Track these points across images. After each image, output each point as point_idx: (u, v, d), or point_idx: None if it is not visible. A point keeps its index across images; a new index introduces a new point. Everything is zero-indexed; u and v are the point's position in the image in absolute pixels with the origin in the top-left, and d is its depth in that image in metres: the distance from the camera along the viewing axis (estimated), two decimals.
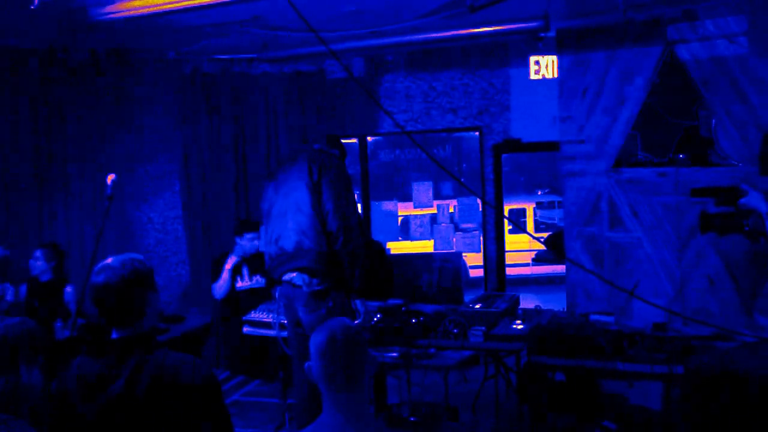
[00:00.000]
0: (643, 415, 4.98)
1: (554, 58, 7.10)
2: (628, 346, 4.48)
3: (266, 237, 4.81)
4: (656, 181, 6.11)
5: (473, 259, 9.20)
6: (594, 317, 5.05)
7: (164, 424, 2.36)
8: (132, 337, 2.44)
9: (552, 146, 6.91)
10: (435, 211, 8.71)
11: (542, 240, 11.82)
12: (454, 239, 8.54)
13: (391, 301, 5.74)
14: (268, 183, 4.90)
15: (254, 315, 5.70)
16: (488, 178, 7.95)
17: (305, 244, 4.52)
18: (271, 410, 6.16)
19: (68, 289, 6.16)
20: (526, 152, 8.53)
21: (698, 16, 5.81)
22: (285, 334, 4.95)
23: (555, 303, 7.35)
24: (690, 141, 6.40)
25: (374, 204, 8.60)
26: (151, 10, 5.41)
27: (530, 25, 6.17)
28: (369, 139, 8.48)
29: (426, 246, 9.00)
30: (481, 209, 8.23)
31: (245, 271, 6.67)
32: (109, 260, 2.48)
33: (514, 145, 7.85)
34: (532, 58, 7.75)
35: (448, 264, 7.73)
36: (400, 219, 9.44)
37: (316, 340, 2.38)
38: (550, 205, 14.03)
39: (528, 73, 7.80)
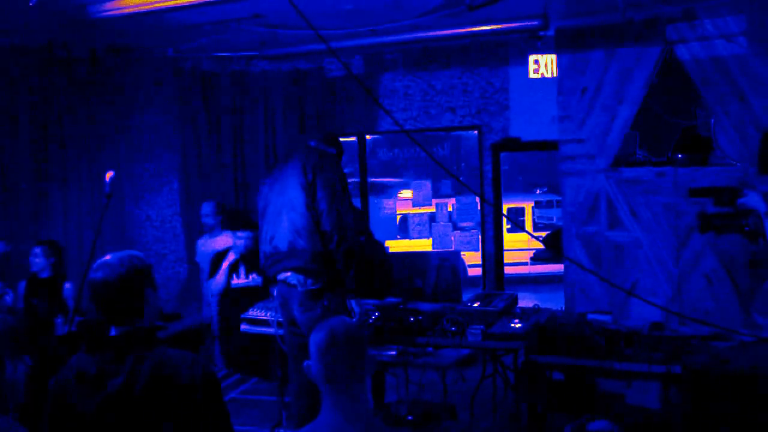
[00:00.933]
0: (641, 414, 4.98)
1: (553, 57, 7.10)
2: (626, 346, 4.48)
3: (261, 236, 4.81)
4: (655, 180, 6.11)
5: (472, 258, 9.22)
6: (592, 316, 5.05)
7: (163, 421, 2.35)
8: (131, 333, 2.43)
9: (551, 145, 6.91)
10: (434, 210, 8.71)
11: (541, 239, 11.83)
12: (453, 238, 8.55)
13: (389, 300, 5.74)
14: (263, 181, 4.89)
15: (252, 313, 5.69)
16: (487, 177, 7.94)
17: (299, 244, 4.51)
18: (268, 408, 6.15)
19: (67, 285, 6.16)
20: (525, 151, 8.54)
21: (697, 15, 5.81)
22: (282, 332, 4.95)
23: (553, 302, 7.34)
24: (689, 141, 6.41)
25: (372, 202, 8.60)
26: (150, 7, 5.41)
27: (529, 23, 6.17)
28: (368, 137, 8.48)
29: (424, 244, 9.01)
30: (479, 208, 8.23)
31: (242, 269, 6.67)
32: (108, 257, 2.48)
33: (513, 144, 7.84)
34: (531, 57, 7.75)
35: (446, 263, 7.73)
36: (398, 217, 9.44)
37: (316, 338, 2.38)
38: (549, 204, 14.05)
39: (527, 72, 7.79)
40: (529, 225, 13.56)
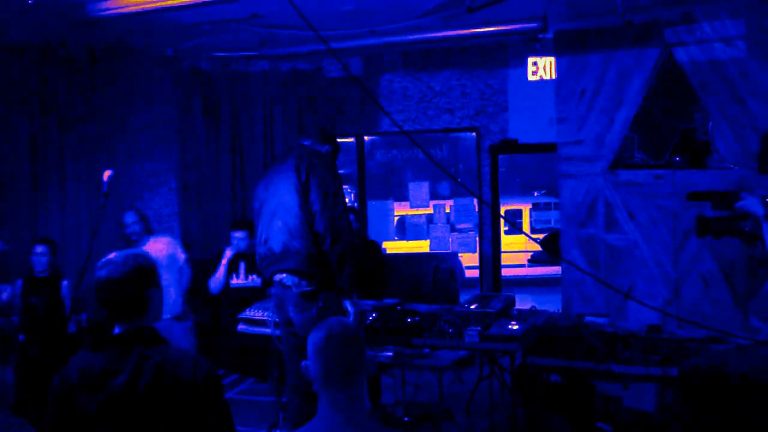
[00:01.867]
0: (637, 417, 4.98)
1: (552, 59, 7.11)
2: (623, 348, 4.48)
3: (257, 237, 4.81)
4: (653, 183, 6.11)
5: (469, 260, 9.20)
6: (589, 318, 5.06)
7: (165, 419, 2.36)
8: (134, 332, 2.45)
9: (549, 147, 6.91)
10: (431, 212, 8.71)
11: (538, 241, 11.83)
12: (450, 239, 8.54)
13: (387, 301, 5.74)
14: (259, 182, 4.89)
15: (249, 313, 5.69)
16: (485, 178, 7.95)
17: (293, 246, 4.50)
18: (265, 409, 6.14)
19: (64, 283, 6.16)
20: (523, 153, 8.54)
21: (696, 19, 5.81)
22: (279, 332, 4.95)
23: (550, 304, 7.34)
24: (687, 144, 6.42)
25: (370, 203, 8.60)
26: (149, 6, 5.41)
27: (528, 26, 6.18)
28: (366, 138, 8.48)
29: (422, 246, 9.01)
30: (477, 210, 8.23)
31: (242, 269, 6.66)
32: (113, 255, 2.50)
33: (511, 146, 7.85)
34: (530, 59, 7.76)
35: (444, 264, 7.74)
36: (396, 219, 9.44)
37: (313, 338, 2.38)
38: (547, 207, 14.05)
39: (526, 74, 7.81)
40: (526, 227, 13.57)
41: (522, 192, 15.35)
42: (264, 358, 6.11)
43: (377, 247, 6.99)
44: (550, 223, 13.74)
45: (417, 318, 5.16)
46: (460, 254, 8.57)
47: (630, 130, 6.43)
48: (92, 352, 2.44)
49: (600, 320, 5.01)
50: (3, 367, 2.70)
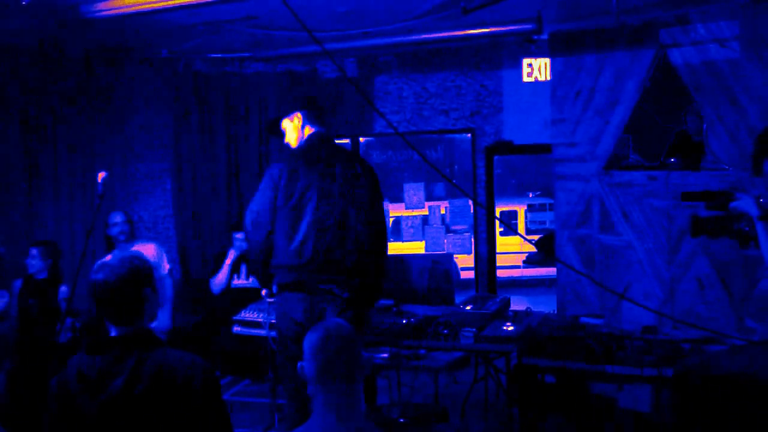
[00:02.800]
0: (632, 418, 4.98)
1: (547, 60, 7.11)
2: (618, 349, 4.48)
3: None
4: (647, 184, 6.12)
5: (464, 261, 9.20)
6: (584, 319, 5.06)
7: (164, 421, 2.36)
8: (132, 334, 2.45)
9: (544, 149, 6.92)
10: (426, 213, 8.71)
11: (533, 242, 11.84)
12: (446, 241, 8.54)
13: (382, 302, 5.74)
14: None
15: (244, 314, 5.68)
16: (480, 180, 7.96)
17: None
18: (261, 410, 6.13)
19: (63, 288, 6.10)
20: (518, 154, 8.55)
21: (691, 20, 5.82)
22: (275, 333, 4.93)
23: (545, 305, 7.35)
24: (681, 145, 6.43)
25: None
26: (143, 7, 5.40)
27: (523, 27, 6.18)
28: (361, 139, 8.48)
29: (417, 247, 9.00)
30: (472, 211, 8.23)
31: (243, 270, 6.67)
32: (109, 258, 2.51)
33: (506, 147, 7.86)
34: (525, 61, 7.77)
35: (439, 265, 7.73)
36: (391, 220, 9.43)
37: (310, 339, 2.38)
38: (542, 208, 14.04)
39: (521, 76, 7.81)
40: (521, 228, 13.57)
41: (517, 193, 15.35)
42: (259, 359, 6.11)
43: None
44: (545, 224, 13.73)
45: (412, 319, 5.16)
46: (455, 255, 8.56)
47: (625, 131, 6.43)
48: (89, 355, 2.43)
49: (595, 321, 5.02)
50: None
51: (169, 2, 5.34)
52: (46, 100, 6.98)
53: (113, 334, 2.46)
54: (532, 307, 5.51)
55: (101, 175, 4.42)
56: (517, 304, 5.94)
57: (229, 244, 6.82)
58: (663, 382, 4.25)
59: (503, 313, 5.33)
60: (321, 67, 8.09)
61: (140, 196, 7.66)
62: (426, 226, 8.66)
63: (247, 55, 7.52)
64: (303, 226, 4.27)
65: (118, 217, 6.21)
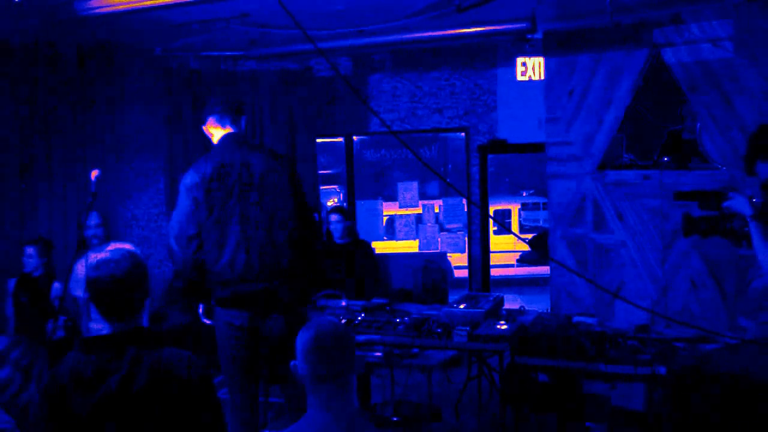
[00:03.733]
0: (626, 416, 5.00)
1: (541, 59, 7.12)
2: (611, 348, 4.49)
3: None
4: (640, 183, 6.14)
5: (458, 260, 9.22)
6: (577, 318, 5.07)
7: (160, 419, 2.35)
8: (129, 331, 2.42)
9: (538, 147, 6.93)
10: (420, 211, 8.72)
11: (527, 241, 11.86)
12: (439, 239, 8.55)
13: (375, 301, 5.74)
14: None
15: None
16: (474, 178, 7.96)
17: None
18: None
19: (56, 285, 6.07)
20: (512, 153, 8.57)
21: (684, 20, 5.84)
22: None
23: (539, 304, 7.37)
24: (674, 144, 6.44)
25: (359, 203, 8.59)
26: (137, 5, 5.38)
27: (517, 26, 6.18)
28: (355, 138, 8.48)
29: (411, 246, 9.01)
30: (466, 210, 8.24)
31: None
32: (105, 255, 2.44)
33: (500, 146, 7.87)
34: (519, 60, 7.78)
35: (432, 264, 7.74)
36: (385, 219, 9.43)
37: (302, 338, 2.37)
38: (535, 207, 14.07)
39: (515, 75, 7.82)
40: (515, 227, 13.59)
41: (511, 192, 15.38)
42: None
43: (369, 247, 6.99)
44: (538, 222, 13.76)
45: (406, 318, 5.16)
46: (449, 254, 8.58)
47: (618, 131, 6.45)
48: (85, 353, 2.39)
49: (588, 320, 5.02)
50: None
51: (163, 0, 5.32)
52: (40, 98, 6.94)
53: (107, 331, 2.42)
54: (525, 306, 5.52)
55: (95, 174, 4.41)
56: (511, 303, 5.96)
57: None
58: (656, 381, 4.26)
59: (497, 311, 5.34)
60: (316, 66, 8.09)
61: (134, 193, 7.64)
62: (420, 225, 8.67)
63: (240, 53, 7.51)
64: (230, 238, 4.13)
65: (93, 219, 6.08)
